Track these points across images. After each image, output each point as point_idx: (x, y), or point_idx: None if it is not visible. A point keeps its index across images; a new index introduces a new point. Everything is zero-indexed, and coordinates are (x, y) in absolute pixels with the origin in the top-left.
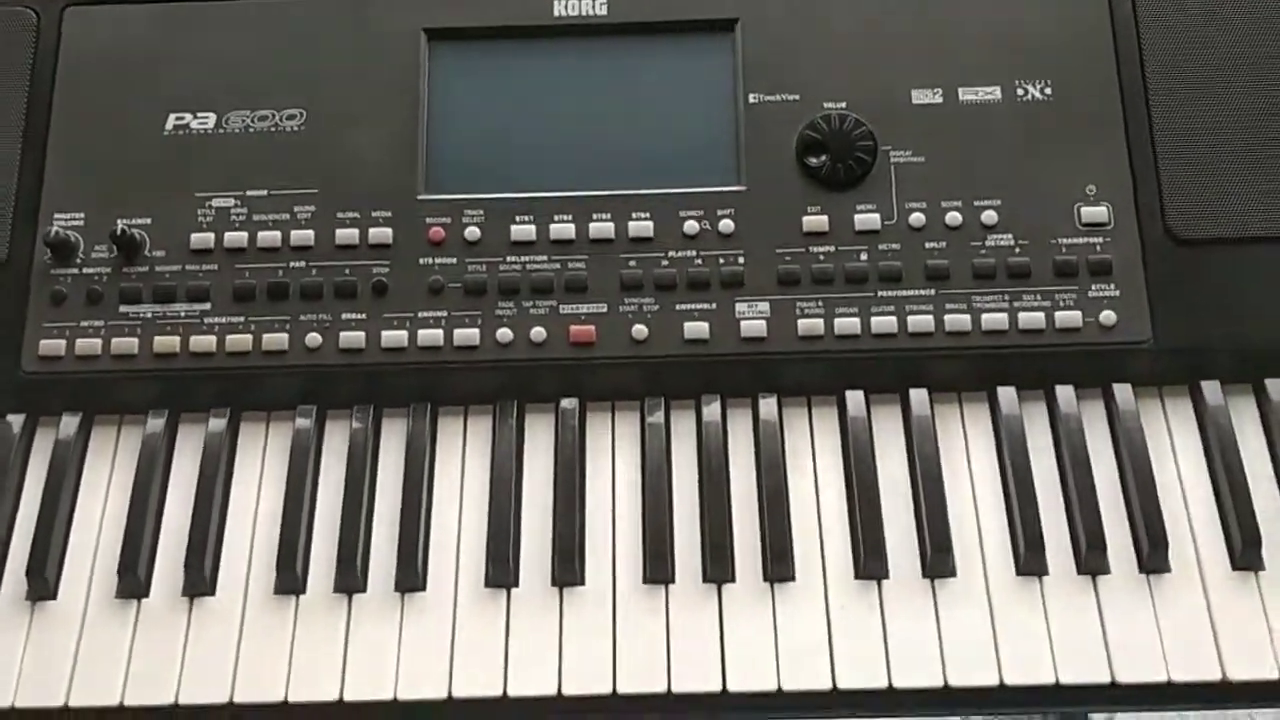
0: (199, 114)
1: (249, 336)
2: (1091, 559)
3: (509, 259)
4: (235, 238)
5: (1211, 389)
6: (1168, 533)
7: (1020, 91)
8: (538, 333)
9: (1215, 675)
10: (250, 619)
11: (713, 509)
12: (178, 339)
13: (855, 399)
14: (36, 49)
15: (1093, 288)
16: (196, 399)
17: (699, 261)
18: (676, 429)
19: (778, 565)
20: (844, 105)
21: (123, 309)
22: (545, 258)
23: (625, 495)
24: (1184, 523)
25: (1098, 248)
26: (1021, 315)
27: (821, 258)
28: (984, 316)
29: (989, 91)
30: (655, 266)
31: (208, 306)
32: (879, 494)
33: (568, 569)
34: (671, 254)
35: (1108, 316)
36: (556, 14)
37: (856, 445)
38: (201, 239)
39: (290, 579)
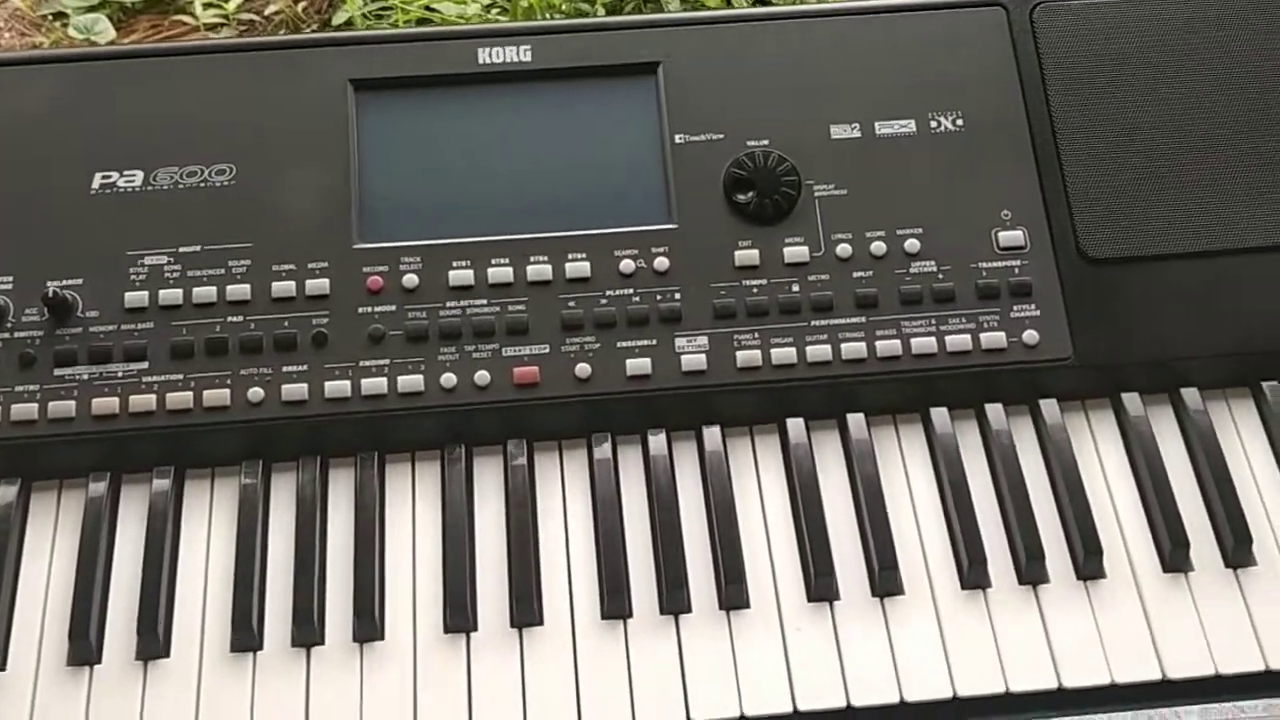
0: (125, 172)
1: (189, 394)
2: (1032, 569)
3: (449, 304)
4: (170, 295)
5: (1132, 401)
6: (1101, 540)
7: (933, 124)
8: (481, 376)
9: (1155, 675)
10: (207, 679)
11: (666, 540)
12: (116, 399)
13: (796, 426)
14: None
15: (1014, 309)
16: (138, 459)
17: (637, 299)
18: (624, 464)
19: (732, 591)
20: (767, 142)
21: (57, 371)
22: (485, 301)
23: (578, 532)
24: (1115, 529)
25: (1016, 270)
26: (949, 338)
27: (755, 290)
28: (913, 341)
29: (904, 125)
30: (594, 306)
31: (145, 365)
32: (825, 516)
33: (526, 610)
34: (609, 293)
35: (1030, 336)
36: (481, 62)
37: (800, 471)
38: (135, 297)
39: (247, 637)
